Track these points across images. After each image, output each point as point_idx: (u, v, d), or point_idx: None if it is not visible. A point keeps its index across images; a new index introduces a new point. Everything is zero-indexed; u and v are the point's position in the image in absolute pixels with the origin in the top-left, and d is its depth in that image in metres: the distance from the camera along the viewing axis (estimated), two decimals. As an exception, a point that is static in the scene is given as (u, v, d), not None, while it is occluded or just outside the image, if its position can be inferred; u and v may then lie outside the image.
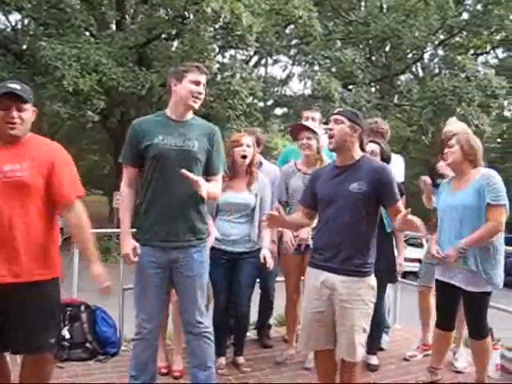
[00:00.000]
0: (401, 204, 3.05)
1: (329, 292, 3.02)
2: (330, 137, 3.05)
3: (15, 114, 2.64)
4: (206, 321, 3.19)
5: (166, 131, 3.04)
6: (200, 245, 3.11)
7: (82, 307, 4.25)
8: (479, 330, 3.57)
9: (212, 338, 3.18)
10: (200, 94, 3.07)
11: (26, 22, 18.67)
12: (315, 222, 3.30)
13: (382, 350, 4.44)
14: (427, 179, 4.13)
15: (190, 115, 3.15)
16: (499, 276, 3.49)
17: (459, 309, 3.76)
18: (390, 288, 4.54)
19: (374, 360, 4.17)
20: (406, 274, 4.67)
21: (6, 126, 2.64)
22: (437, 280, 3.73)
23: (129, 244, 3.01)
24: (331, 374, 3.15)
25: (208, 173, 3.15)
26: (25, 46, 16.32)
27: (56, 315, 2.84)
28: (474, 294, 3.48)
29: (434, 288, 3.87)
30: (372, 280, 3.07)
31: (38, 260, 2.69)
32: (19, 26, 18.88)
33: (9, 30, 18.67)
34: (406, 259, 4.42)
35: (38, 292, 2.68)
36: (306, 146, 4.07)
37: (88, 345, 4.13)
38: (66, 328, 4.10)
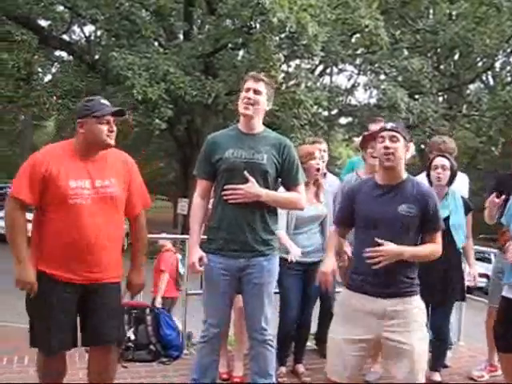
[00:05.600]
0: (439, 235, 2.93)
1: (376, 319, 2.82)
2: (388, 154, 2.86)
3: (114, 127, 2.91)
4: (270, 328, 3.22)
5: (236, 145, 3.09)
6: (269, 253, 3.13)
7: (147, 310, 4.37)
8: None
9: (274, 345, 3.22)
10: (249, 99, 3.10)
11: (98, 33, 19.43)
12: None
13: (445, 366, 4.34)
14: (495, 200, 4.01)
15: (260, 128, 3.19)
16: None
17: None
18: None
19: (436, 377, 4.07)
20: (471, 290, 4.52)
21: (108, 136, 2.86)
22: (507, 298, 3.55)
23: (195, 253, 3.09)
24: None
25: (287, 185, 3.18)
26: (97, 57, 16.93)
27: (120, 313, 3.12)
28: None
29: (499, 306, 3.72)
30: (419, 301, 2.90)
31: (114, 264, 2.92)
32: (92, 38, 19.65)
33: (83, 41, 19.45)
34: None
35: (109, 292, 2.91)
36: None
37: (152, 347, 4.24)
38: (132, 330, 4.24)
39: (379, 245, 2.78)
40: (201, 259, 3.09)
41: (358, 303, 2.87)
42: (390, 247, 2.76)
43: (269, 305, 3.18)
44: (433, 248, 2.91)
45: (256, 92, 3.11)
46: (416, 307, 2.87)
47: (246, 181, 3.02)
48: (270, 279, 3.16)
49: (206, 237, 3.23)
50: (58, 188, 2.75)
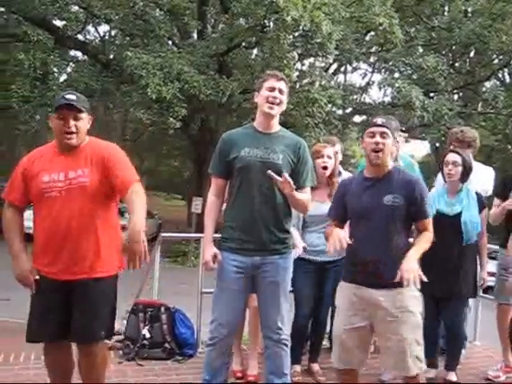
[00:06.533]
0: (430, 221, 2.98)
1: (369, 308, 2.92)
2: (378, 150, 2.91)
3: (72, 123, 2.82)
4: (286, 328, 3.22)
5: (252, 143, 3.10)
6: (284, 251, 3.15)
7: (162, 308, 4.39)
8: None
9: (289, 345, 3.22)
10: (275, 98, 3.09)
11: (113, 33, 19.53)
12: None
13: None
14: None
15: (276, 127, 3.19)
16: None
17: None
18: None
19: (452, 376, 4.05)
20: (487, 289, 4.49)
21: (63, 136, 2.84)
22: None
23: (209, 251, 3.11)
24: None
25: (295, 186, 3.16)
26: (112, 56, 17.01)
27: (108, 310, 2.95)
28: None
29: None
30: (414, 289, 2.91)
31: (97, 259, 2.85)
32: (107, 37, 19.74)
33: (97, 41, 19.55)
34: (489, 273, 4.26)
35: (94, 288, 2.84)
36: None
37: (167, 345, 4.26)
38: (147, 328, 4.27)
39: (371, 237, 2.87)
40: (215, 257, 3.10)
41: (351, 293, 2.97)
42: (408, 265, 2.74)
43: (285, 304, 3.18)
44: (427, 237, 2.96)
45: (280, 91, 3.12)
46: (411, 296, 2.90)
47: (261, 179, 3.02)
48: (285, 277, 3.17)
49: (220, 235, 3.23)
50: (35, 185, 2.84)
